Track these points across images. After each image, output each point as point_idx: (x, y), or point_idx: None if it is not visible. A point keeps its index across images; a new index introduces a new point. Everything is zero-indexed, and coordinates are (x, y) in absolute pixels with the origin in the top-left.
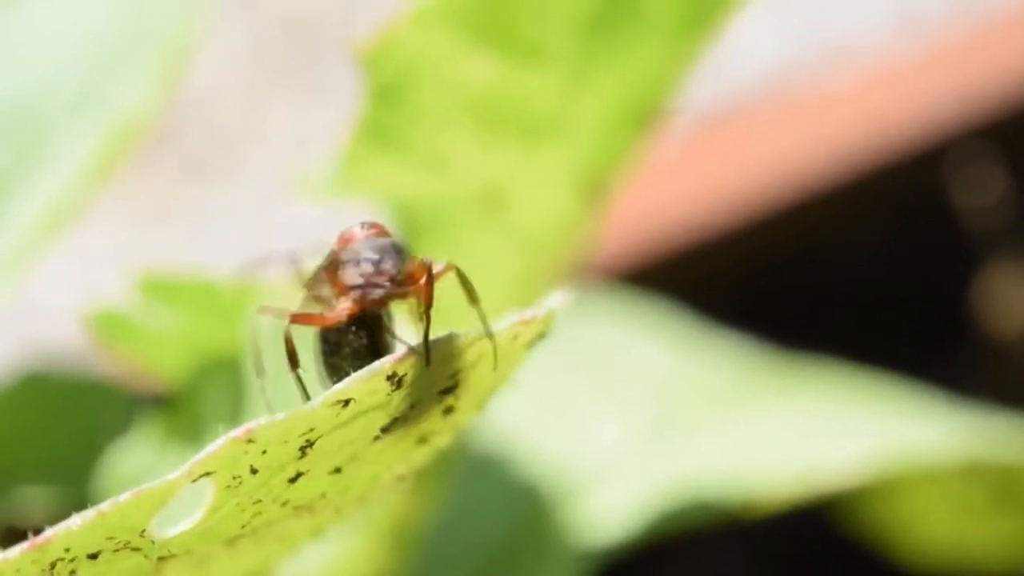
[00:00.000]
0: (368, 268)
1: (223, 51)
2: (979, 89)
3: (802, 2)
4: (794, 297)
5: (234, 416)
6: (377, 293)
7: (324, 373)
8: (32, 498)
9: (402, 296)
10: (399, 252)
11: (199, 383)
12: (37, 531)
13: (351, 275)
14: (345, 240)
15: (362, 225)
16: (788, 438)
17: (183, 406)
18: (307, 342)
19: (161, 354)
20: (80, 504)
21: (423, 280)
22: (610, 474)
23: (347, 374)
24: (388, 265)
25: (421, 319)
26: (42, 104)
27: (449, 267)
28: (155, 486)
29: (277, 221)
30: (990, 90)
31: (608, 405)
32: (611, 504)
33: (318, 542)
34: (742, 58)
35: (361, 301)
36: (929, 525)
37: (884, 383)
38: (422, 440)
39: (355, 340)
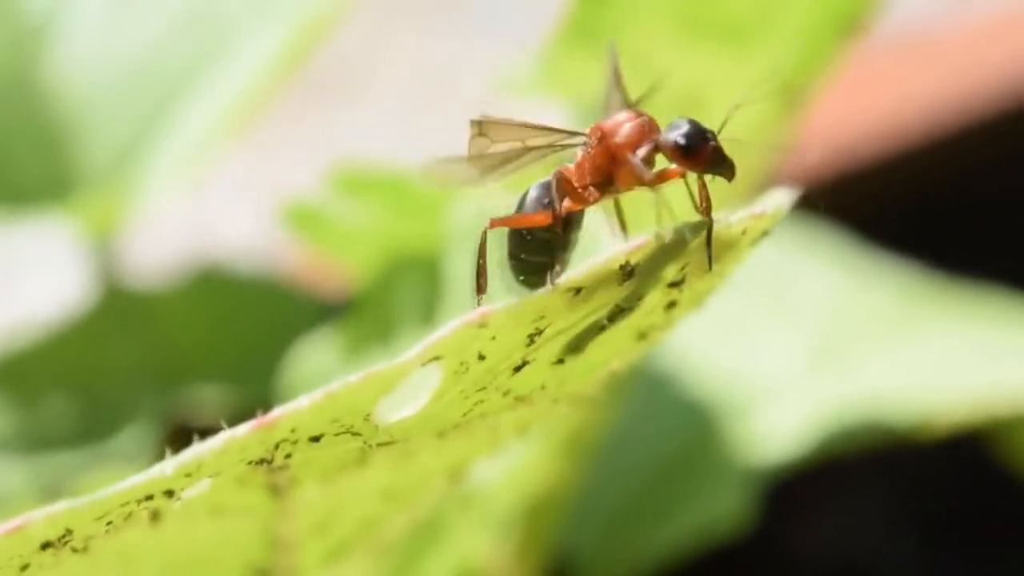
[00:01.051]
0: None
1: None
2: None
3: None
4: (957, 222)
5: (426, 318)
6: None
7: (516, 271)
8: (204, 397)
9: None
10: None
11: (392, 280)
12: (208, 429)
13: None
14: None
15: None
16: (954, 363)
17: (373, 305)
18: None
19: (352, 250)
20: (255, 404)
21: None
22: (778, 394)
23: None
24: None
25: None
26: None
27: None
28: (385, 369)
29: (399, 147)
30: None
31: (779, 326)
32: (780, 423)
33: (521, 439)
34: None
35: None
36: None
37: None
38: (642, 335)
39: (564, 236)
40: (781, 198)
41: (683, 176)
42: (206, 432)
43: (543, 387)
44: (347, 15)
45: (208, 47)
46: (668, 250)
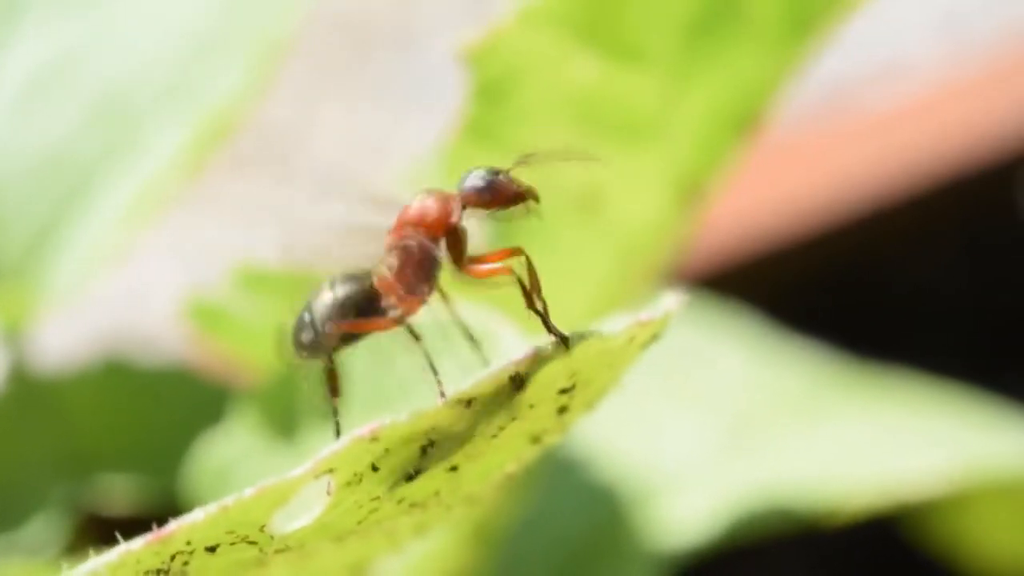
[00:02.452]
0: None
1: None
2: None
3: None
4: (865, 307)
5: (327, 413)
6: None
7: None
8: (115, 487)
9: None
10: None
11: (292, 376)
12: (119, 519)
13: None
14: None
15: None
16: (862, 448)
17: (276, 398)
18: None
19: (256, 345)
20: (164, 494)
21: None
22: (687, 479)
23: None
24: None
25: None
26: (133, 95)
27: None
28: (278, 482)
29: (324, 216)
30: None
31: (688, 410)
32: (688, 509)
33: (420, 539)
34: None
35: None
36: (998, 540)
37: (956, 394)
38: (535, 439)
39: None
40: (670, 303)
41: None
42: (116, 523)
43: (437, 493)
44: (278, 86)
45: (118, 140)
46: (558, 359)
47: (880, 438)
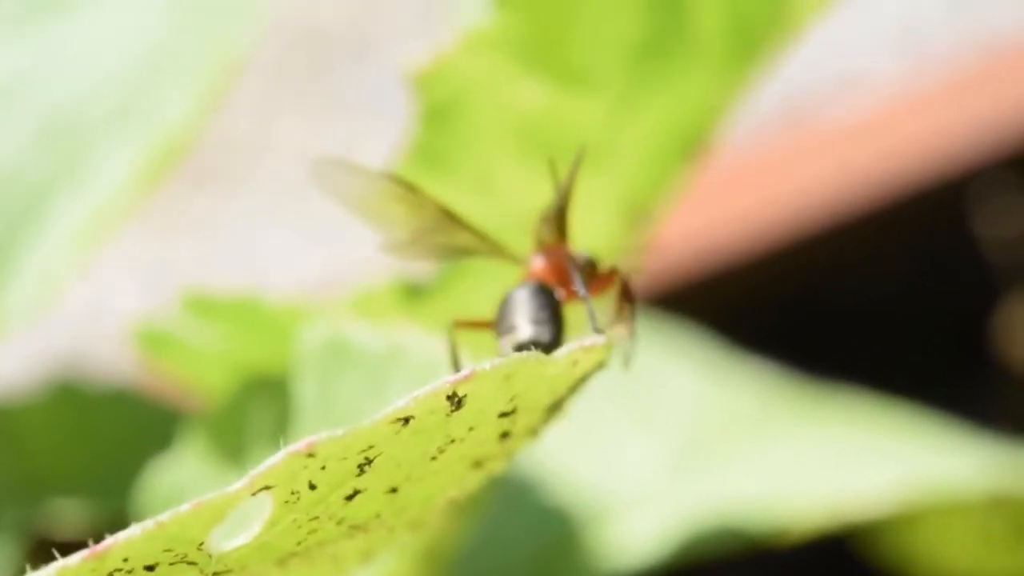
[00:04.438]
0: None
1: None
2: (998, 120)
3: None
4: (817, 324)
5: (277, 435)
6: None
7: None
8: (66, 511)
9: None
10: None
11: (242, 400)
12: (70, 543)
13: None
14: None
15: None
16: (814, 466)
17: (225, 423)
18: None
19: (205, 371)
20: (115, 517)
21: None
22: (639, 499)
23: None
24: None
25: None
26: (84, 115)
27: None
28: (215, 498)
29: (280, 232)
30: (1009, 121)
31: (638, 430)
32: (639, 529)
33: (367, 564)
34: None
35: None
36: (950, 555)
37: (907, 412)
38: (477, 464)
39: None
40: (616, 329)
41: None
42: (67, 547)
43: (379, 516)
44: (237, 100)
45: (70, 161)
46: (497, 380)
47: (831, 456)
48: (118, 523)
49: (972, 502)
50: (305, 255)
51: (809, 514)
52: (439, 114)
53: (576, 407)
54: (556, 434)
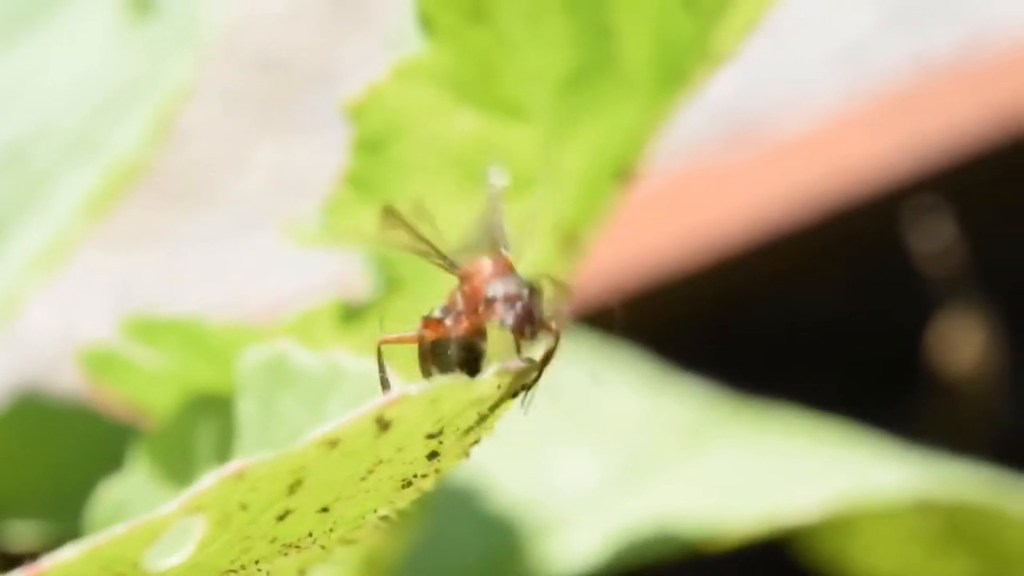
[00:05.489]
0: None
1: (203, 87)
2: (934, 137)
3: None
4: (751, 339)
5: (222, 454)
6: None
7: None
8: (24, 526)
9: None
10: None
11: (186, 420)
12: (28, 557)
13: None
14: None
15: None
16: (748, 478)
17: (169, 442)
18: None
19: (150, 392)
20: (73, 534)
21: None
22: (576, 512)
23: None
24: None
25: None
26: (38, 147)
27: None
28: (149, 520)
29: (251, 250)
30: (943, 138)
31: (575, 444)
32: (577, 541)
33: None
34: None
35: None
36: (883, 559)
37: (839, 425)
38: (407, 483)
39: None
40: (536, 351)
41: None
42: (19, 560)
43: (311, 534)
44: (204, 124)
45: (25, 191)
46: (424, 404)
47: (764, 469)
48: (72, 539)
49: (902, 509)
50: (279, 272)
51: (743, 524)
52: (372, 144)
53: (516, 421)
54: (498, 448)
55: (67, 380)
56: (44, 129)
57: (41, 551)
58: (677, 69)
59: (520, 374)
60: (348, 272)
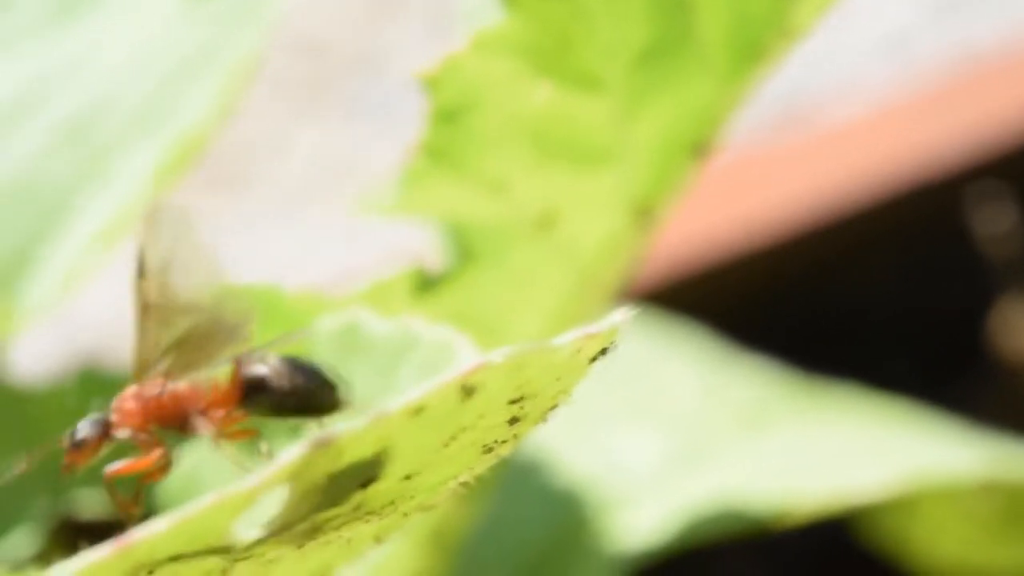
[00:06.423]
0: None
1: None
2: (993, 122)
3: None
4: (815, 320)
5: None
6: None
7: None
8: (91, 494)
9: None
10: None
11: None
12: (94, 525)
13: None
14: None
15: None
16: (810, 458)
17: None
18: None
19: None
20: None
21: None
22: (641, 489)
23: None
24: None
25: None
26: (100, 121)
27: None
28: (238, 491)
29: (291, 234)
30: (1002, 123)
31: (640, 422)
32: (641, 518)
33: (379, 546)
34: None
35: None
36: (944, 541)
37: (902, 406)
38: (487, 449)
39: None
40: (618, 317)
41: None
42: (90, 529)
43: (392, 502)
44: (249, 109)
45: (90, 163)
46: (507, 370)
47: (826, 449)
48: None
49: (964, 490)
50: (318, 256)
51: (807, 502)
52: (449, 114)
53: (580, 399)
54: (562, 425)
55: (115, 355)
56: (107, 102)
57: (108, 519)
58: (754, 45)
59: (599, 339)
60: (387, 258)
